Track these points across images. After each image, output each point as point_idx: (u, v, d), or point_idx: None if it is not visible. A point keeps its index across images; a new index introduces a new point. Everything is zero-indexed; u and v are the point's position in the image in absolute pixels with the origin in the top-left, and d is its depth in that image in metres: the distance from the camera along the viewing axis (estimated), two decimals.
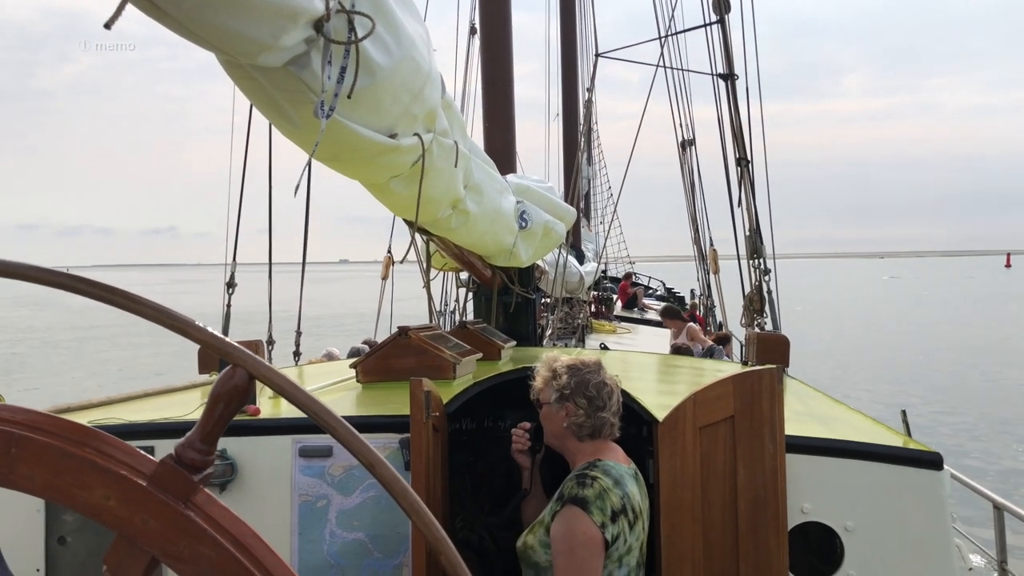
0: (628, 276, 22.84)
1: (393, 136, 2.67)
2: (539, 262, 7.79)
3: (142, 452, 0.88)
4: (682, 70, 8.68)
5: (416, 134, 2.89)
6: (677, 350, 8.92)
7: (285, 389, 0.89)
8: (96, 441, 0.86)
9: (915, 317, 47.00)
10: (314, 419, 0.90)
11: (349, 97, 2.13)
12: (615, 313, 16.34)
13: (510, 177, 5.96)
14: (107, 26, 1.60)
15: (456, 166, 3.58)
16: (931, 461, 2.82)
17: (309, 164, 2.36)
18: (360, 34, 2.05)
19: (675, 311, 12.28)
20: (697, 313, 15.61)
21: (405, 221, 4.26)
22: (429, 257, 4.97)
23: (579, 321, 11.03)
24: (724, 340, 10.03)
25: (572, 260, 10.66)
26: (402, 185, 3.14)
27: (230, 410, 0.90)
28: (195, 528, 0.85)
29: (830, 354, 28.20)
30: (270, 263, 7.11)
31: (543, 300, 9.18)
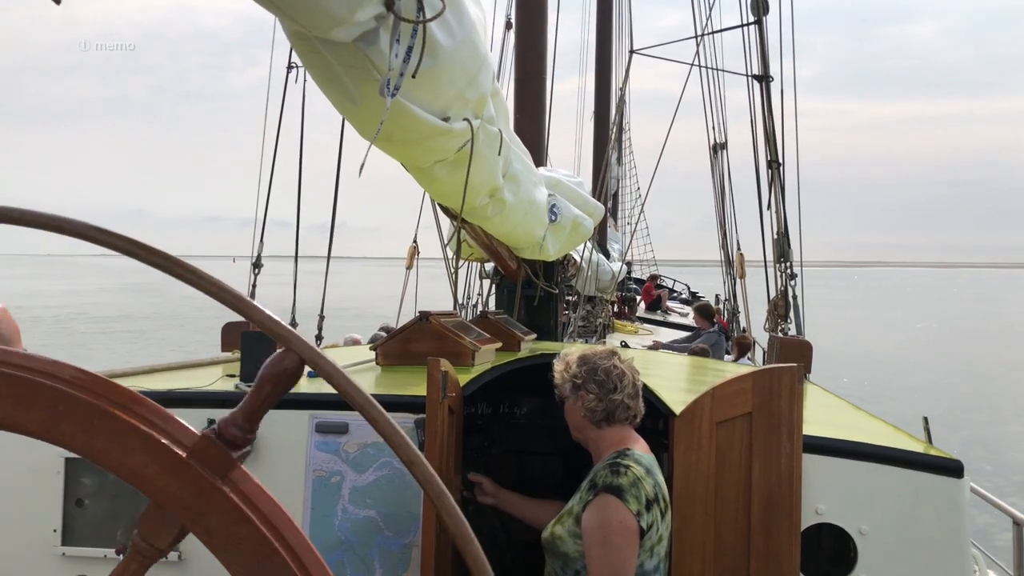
0: (654, 278, 22.74)
1: (446, 119, 2.68)
2: (576, 258, 7.79)
3: (184, 423, 0.90)
4: (717, 70, 8.63)
5: (466, 119, 2.90)
6: (696, 353, 8.87)
7: (333, 378, 0.90)
8: (141, 407, 0.88)
9: None
10: (358, 408, 0.91)
11: (414, 77, 2.15)
12: (638, 314, 16.27)
13: (541, 170, 5.96)
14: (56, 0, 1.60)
15: (499, 154, 3.58)
16: (951, 468, 2.78)
17: (369, 147, 2.36)
18: (429, 14, 2.07)
19: (709, 312, 12.22)
20: (721, 318, 15.51)
21: (442, 208, 4.27)
22: (459, 244, 4.97)
23: (601, 320, 10.99)
24: (745, 347, 9.96)
25: (604, 258, 10.65)
26: (445, 170, 3.15)
27: (277, 391, 0.92)
28: (228, 503, 0.86)
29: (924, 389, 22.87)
30: (296, 251, 7.19)
31: (567, 297, 9.17)
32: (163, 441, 0.86)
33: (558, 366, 2.74)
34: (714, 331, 10.96)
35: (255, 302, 0.94)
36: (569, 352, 2.76)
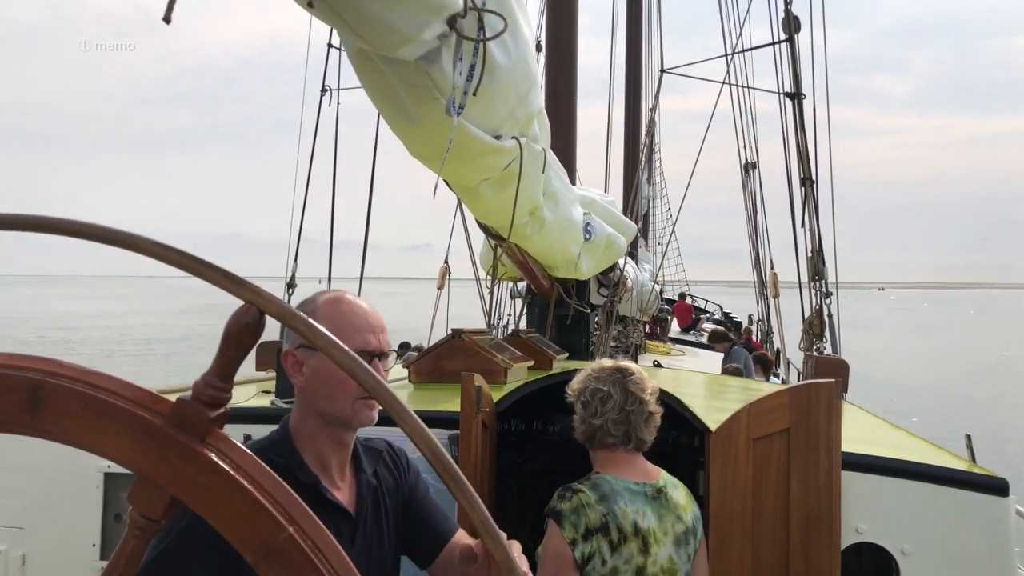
0: (683, 297, 22.62)
1: (497, 137, 2.71)
2: (628, 280, 7.77)
3: (158, 394, 0.89)
4: (748, 88, 8.62)
5: (514, 137, 2.92)
6: (729, 373, 8.79)
7: (300, 327, 0.89)
8: (111, 383, 0.87)
9: None
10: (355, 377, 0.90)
11: (475, 95, 2.17)
12: (670, 335, 16.16)
13: (575, 189, 5.98)
14: (166, 20, 1.51)
15: (543, 172, 3.60)
16: (996, 487, 2.71)
17: (440, 169, 2.38)
18: (489, 33, 2.10)
19: (722, 335, 12.16)
20: (754, 339, 15.36)
21: (482, 227, 4.29)
22: (496, 263, 4.99)
23: (633, 340, 10.93)
24: (766, 364, 9.86)
25: (646, 279, 10.61)
26: (491, 189, 3.17)
27: (243, 347, 0.91)
28: (211, 466, 0.84)
29: None
30: (329, 273, 7.28)
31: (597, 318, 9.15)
32: (137, 412, 0.85)
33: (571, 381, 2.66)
34: (738, 347, 10.92)
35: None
36: (597, 362, 2.68)
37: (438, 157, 2.43)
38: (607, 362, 2.61)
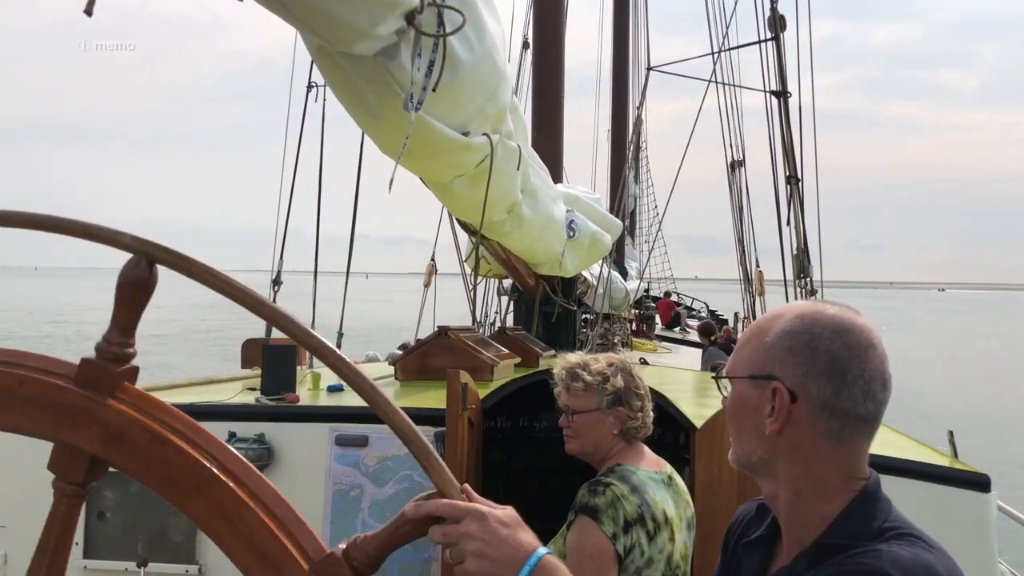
0: (668, 295, 22.71)
1: (466, 134, 2.70)
2: (587, 275, 7.79)
3: (60, 359, 0.89)
4: (734, 86, 8.65)
5: (485, 134, 2.91)
6: (715, 368, 8.81)
7: (208, 278, 0.90)
8: (17, 358, 0.88)
9: None
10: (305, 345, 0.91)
11: (434, 91, 2.14)
12: (655, 332, 16.20)
13: (559, 187, 5.98)
14: (87, 12, 1.47)
15: (518, 169, 3.59)
16: (978, 483, 2.73)
17: (396, 164, 2.36)
18: (449, 28, 2.09)
19: (711, 328, 12.22)
20: (735, 336, 15.40)
21: (460, 223, 4.28)
22: (478, 259, 5.00)
23: (618, 338, 10.95)
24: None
25: (617, 276, 10.62)
26: (465, 185, 3.16)
27: (138, 301, 0.91)
28: (123, 418, 0.85)
29: None
30: (315, 268, 7.25)
31: (583, 316, 9.14)
32: (44, 379, 0.86)
33: (585, 376, 2.45)
34: (713, 348, 11.01)
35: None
36: (585, 361, 2.51)
37: (408, 153, 2.40)
38: (610, 356, 2.53)
